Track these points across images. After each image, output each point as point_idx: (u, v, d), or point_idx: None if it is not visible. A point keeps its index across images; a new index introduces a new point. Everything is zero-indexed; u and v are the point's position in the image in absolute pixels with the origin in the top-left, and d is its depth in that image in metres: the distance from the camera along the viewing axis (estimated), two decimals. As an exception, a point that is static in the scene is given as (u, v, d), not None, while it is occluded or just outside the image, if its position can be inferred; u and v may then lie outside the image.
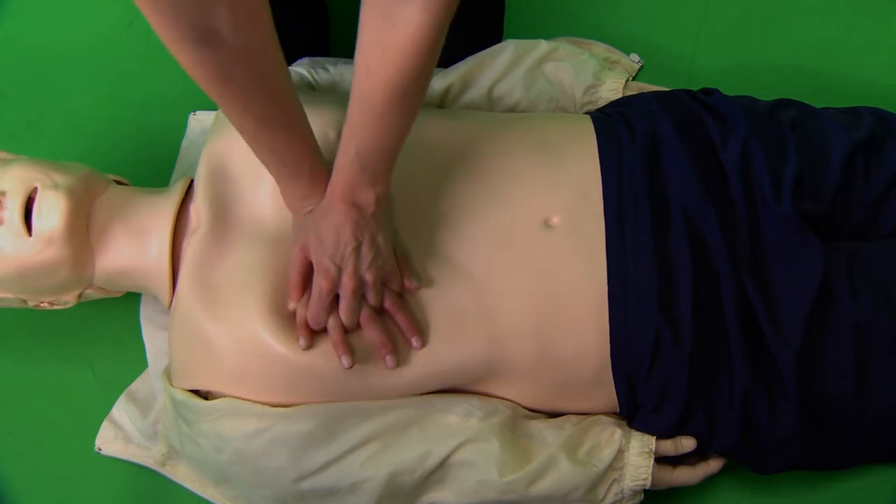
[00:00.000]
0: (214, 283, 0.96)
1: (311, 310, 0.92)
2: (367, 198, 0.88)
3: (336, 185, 0.89)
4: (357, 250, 0.89)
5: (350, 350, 0.92)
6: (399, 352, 0.94)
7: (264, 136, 0.88)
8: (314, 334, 0.93)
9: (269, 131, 0.87)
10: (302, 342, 0.92)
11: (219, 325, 0.94)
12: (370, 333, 0.93)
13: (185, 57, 0.78)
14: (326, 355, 0.93)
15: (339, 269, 0.90)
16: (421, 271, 0.96)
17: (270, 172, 0.92)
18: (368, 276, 0.91)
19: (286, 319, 0.94)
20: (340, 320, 0.92)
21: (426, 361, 0.95)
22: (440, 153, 1.02)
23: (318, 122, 0.94)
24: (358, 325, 0.93)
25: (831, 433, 0.97)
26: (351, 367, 0.92)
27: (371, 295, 0.92)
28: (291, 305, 0.94)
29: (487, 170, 1.01)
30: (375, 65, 0.79)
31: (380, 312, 0.94)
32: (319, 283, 0.91)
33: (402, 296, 0.95)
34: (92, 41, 1.40)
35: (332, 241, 0.89)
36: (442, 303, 0.95)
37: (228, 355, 0.94)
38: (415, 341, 0.94)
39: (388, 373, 0.95)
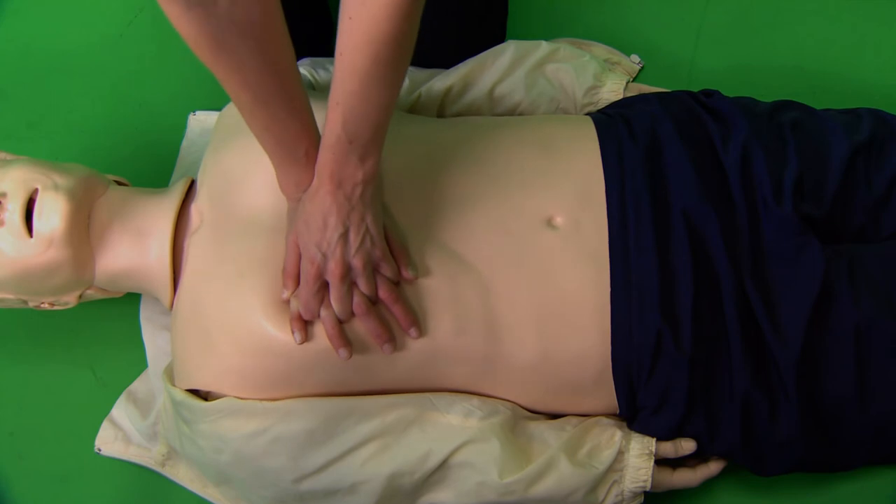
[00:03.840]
0: (216, 280, 0.96)
1: (300, 297, 0.91)
2: (356, 177, 0.86)
3: (324, 163, 0.86)
4: (344, 236, 0.88)
5: (346, 342, 0.92)
6: (398, 340, 0.94)
7: (261, 113, 0.85)
8: (308, 326, 0.92)
9: (267, 109, 0.85)
10: (296, 337, 0.91)
11: (219, 323, 0.94)
12: (365, 324, 0.92)
13: (177, 18, 0.75)
14: (325, 344, 0.92)
15: (325, 256, 0.89)
16: (421, 261, 0.95)
17: (266, 152, 0.90)
18: (356, 262, 0.89)
19: (286, 310, 0.93)
20: (334, 311, 0.91)
21: (426, 349, 0.95)
22: (442, 151, 1.02)
23: (321, 110, 0.92)
24: (353, 315, 0.93)
25: (832, 435, 0.97)
26: (349, 358, 0.92)
27: (362, 282, 0.91)
28: (285, 294, 0.92)
29: (490, 167, 1.01)
30: (357, 13, 0.76)
31: (375, 301, 0.93)
32: (305, 270, 0.90)
33: (397, 284, 0.94)
34: (92, 41, 1.40)
35: (319, 227, 0.88)
36: (442, 292, 0.95)
37: (229, 352, 0.94)
38: (412, 332, 0.93)
39: (389, 363, 0.94)
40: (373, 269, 0.91)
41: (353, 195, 0.87)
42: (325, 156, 0.86)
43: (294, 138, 0.88)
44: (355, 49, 0.79)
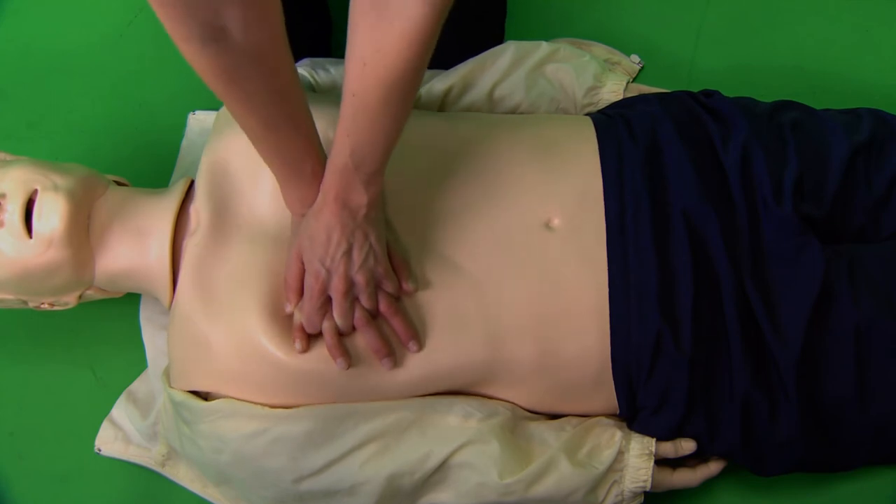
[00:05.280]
0: (214, 284, 0.96)
1: (304, 312, 0.92)
2: (360, 199, 0.87)
3: (329, 185, 0.88)
4: (348, 253, 0.89)
5: (345, 353, 0.92)
6: (397, 354, 0.94)
7: (269, 136, 0.87)
8: (310, 337, 0.93)
9: (275, 132, 0.86)
10: (297, 345, 0.92)
11: (218, 327, 0.94)
12: (365, 337, 0.93)
13: (192, 55, 0.77)
14: (324, 358, 0.93)
15: (329, 272, 0.90)
16: (420, 272, 0.96)
17: (272, 172, 0.92)
18: (359, 278, 0.90)
19: (285, 322, 0.94)
20: (335, 324, 0.92)
21: (425, 363, 0.95)
22: (440, 154, 1.02)
23: (320, 121, 0.93)
24: (354, 329, 0.93)
25: (832, 436, 0.97)
26: (347, 369, 0.92)
27: (364, 297, 0.92)
28: (289, 308, 0.93)
29: (488, 171, 1.01)
30: (371, 59, 0.78)
31: (375, 316, 0.94)
32: (309, 285, 0.91)
33: (398, 299, 0.94)
34: (92, 41, 1.40)
35: (323, 243, 0.89)
36: (441, 304, 0.95)
37: (227, 357, 0.94)
38: (412, 345, 0.94)
39: (387, 374, 0.95)
40: (375, 285, 0.92)
41: (357, 215, 0.88)
42: (331, 178, 0.87)
43: (300, 158, 0.89)
44: (368, 91, 0.80)
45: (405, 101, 0.82)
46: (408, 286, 0.94)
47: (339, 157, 0.86)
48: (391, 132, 0.85)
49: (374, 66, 0.78)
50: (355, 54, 0.79)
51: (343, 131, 0.85)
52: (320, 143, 0.91)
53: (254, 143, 0.89)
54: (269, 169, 0.92)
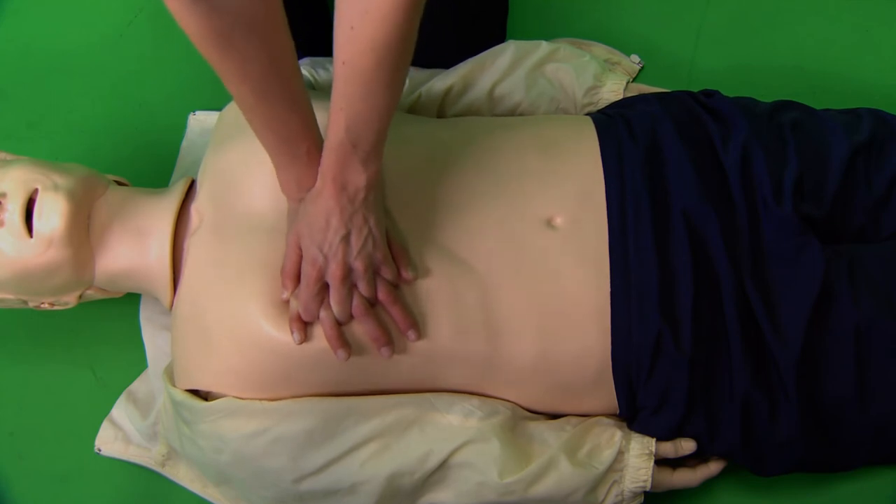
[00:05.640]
0: (216, 281, 0.96)
1: (300, 299, 0.91)
2: (359, 180, 0.86)
3: (327, 166, 0.86)
4: (346, 238, 0.88)
5: (344, 343, 0.92)
6: (397, 343, 0.94)
7: (262, 109, 0.85)
8: (308, 327, 0.92)
9: (268, 105, 0.85)
10: (295, 337, 0.91)
11: (219, 323, 0.94)
12: (364, 326, 0.92)
13: (180, 12, 0.75)
14: (325, 345, 0.92)
15: (326, 258, 0.89)
16: (421, 262, 0.95)
17: (267, 152, 0.90)
18: (358, 265, 0.89)
19: (285, 309, 0.93)
20: (333, 312, 0.91)
21: (425, 352, 0.95)
22: (443, 151, 1.02)
23: (321, 109, 0.91)
24: (352, 317, 0.92)
25: (832, 435, 0.97)
26: (347, 359, 0.92)
27: (362, 284, 0.91)
28: (284, 295, 0.92)
29: (490, 168, 1.01)
30: (359, 22, 0.76)
31: (374, 303, 0.93)
32: (306, 271, 0.90)
33: (397, 286, 0.94)
34: (92, 41, 1.41)
35: (322, 228, 0.88)
36: (441, 294, 0.95)
37: (229, 352, 0.94)
38: (411, 334, 0.93)
39: (388, 364, 0.94)
40: (373, 272, 0.91)
41: (356, 198, 0.87)
42: (329, 159, 0.86)
43: (295, 136, 0.87)
44: (358, 57, 0.78)
45: (397, 70, 0.80)
46: (407, 274, 0.93)
47: (335, 135, 0.84)
48: (385, 104, 0.83)
49: (362, 29, 0.76)
50: (343, 19, 0.77)
51: (336, 106, 0.83)
52: (317, 125, 0.90)
53: (247, 118, 0.87)
54: (268, 162, 0.91)
